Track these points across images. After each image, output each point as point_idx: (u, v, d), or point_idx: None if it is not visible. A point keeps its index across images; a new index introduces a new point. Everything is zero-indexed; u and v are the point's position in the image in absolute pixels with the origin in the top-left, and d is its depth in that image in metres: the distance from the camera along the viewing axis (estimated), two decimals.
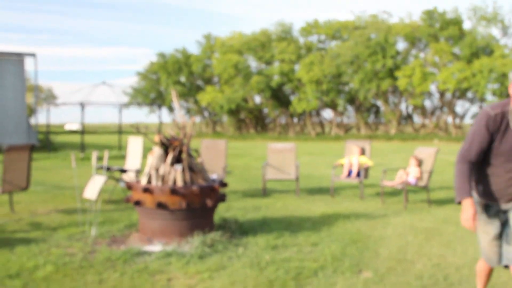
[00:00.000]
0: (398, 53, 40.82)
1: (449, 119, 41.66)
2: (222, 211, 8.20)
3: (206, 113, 53.06)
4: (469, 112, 41.89)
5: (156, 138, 6.68)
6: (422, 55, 41.57)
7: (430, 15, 40.92)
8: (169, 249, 5.91)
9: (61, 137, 36.97)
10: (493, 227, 3.78)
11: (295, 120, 48.44)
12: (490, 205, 3.79)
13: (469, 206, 3.55)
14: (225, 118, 51.29)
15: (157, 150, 6.68)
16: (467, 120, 43.01)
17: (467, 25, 40.89)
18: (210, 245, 6.07)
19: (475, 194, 3.85)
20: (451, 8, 57.40)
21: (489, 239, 3.80)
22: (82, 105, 23.17)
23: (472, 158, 3.67)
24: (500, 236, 3.78)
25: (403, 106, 43.48)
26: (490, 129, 3.57)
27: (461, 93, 39.29)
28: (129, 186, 6.59)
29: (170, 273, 5.22)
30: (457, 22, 40.39)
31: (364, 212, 8.63)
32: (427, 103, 42.13)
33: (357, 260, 5.70)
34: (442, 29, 39.72)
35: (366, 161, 10.41)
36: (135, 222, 7.37)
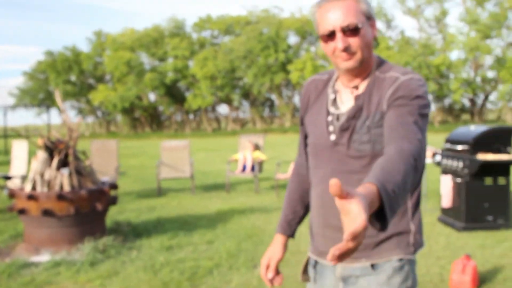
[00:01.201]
0: (289, 47, 41.87)
1: None
2: (114, 214, 7.95)
3: (99, 113, 51.59)
4: None
5: (40, 142, 6.35)
6: (313, 48, 42.93)
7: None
8: (58, 258, 5.64)
9: None
10: None
11: (191, 116, 48.38)
12: (319, 264, 2.03)
13: (272, 248, 2.16)
14: (119, 117, 50.14)
15: (42, 154, 6.36)
16: None
17: None
18: (102, 251, 5.87)
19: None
20: None
21: None
22: None
23: (298, 165, 2.19)
24: None
25: (296, 99, 44.72)
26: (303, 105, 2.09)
27: None
28: (12, 194, 6.22)
29: (59, 284, 4.98)
30: None
31: (259, 206, 8.73)
32: None
33: (252, 255, 5.74)
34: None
35: (259, 155, 10.53)
36: (21, 232, 6.97)
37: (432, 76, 38.05)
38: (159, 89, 43.81)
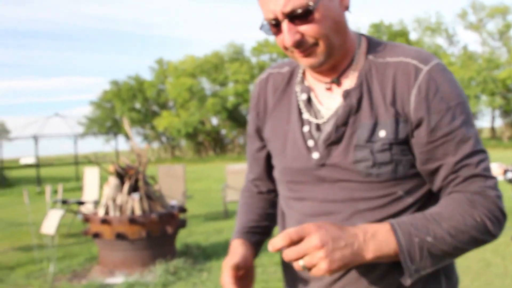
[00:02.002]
0: None
1: None
2: (183, 237, 8.11)
3: (164, 138, 52.77)
4: None
5: (111, 168, 6.59)
6: None
7: (377, 28, 41.99)
8: (132, 280, 5.81)
9: (16, 172, 35.98)
10: None
11: None
12: None
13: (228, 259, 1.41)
14: (183, 142, 51.11)
15: (113, 180, 6.59)
16: None
17: (413, 36, 42.08)
18: (174, 273, 6.00)
19: None
20: (397, 21, 58.83)
21: None
22: (36, 138, 22.76)
23: (253, 184, 1.64)
24: None
25: None
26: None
27: None
28: (87, 218, 6.47)
29: None
30: (404, 33, 41.57)
31: None
32: None
33: None
34: (389, 40, 40.75)
35: None
36: (95, 255, 7.22)
37: (499, 90, 36.92)
38: (221, 113, 44.48)
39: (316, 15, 1.19)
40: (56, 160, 68.48)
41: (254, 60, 47.80)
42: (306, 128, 1.33)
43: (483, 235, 1.19)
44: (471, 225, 1.17)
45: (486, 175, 1.22)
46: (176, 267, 6.11)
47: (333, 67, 1.31)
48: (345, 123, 1.27)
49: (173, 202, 7.24)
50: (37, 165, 23.17)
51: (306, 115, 1.34)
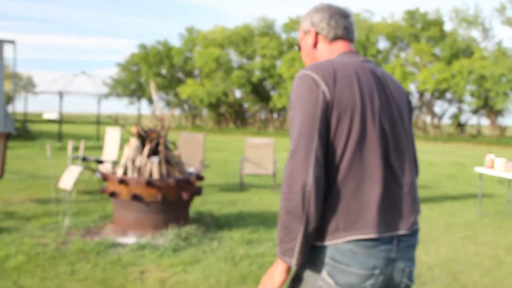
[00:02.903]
0: (379, 52, 41.20)
1: (428, 119, 42.17)
2: (198, 205, 8.18)
3: (186, 106, 52.92)
4: (447, 112, 42.32)
5: (134, 130, 6.63)
6: (403, 54, 42.02)
7: (412, 15, 41.31)
8: (143, 242, 5.88)
9: (39, 126, 36.53)
10: None
11: (275, 115, 48.57)
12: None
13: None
14: (205, 112, 51.22)
15: (134, 142, 6.64)
16: (445, 121, 43.51)
17: (448, 26, 41.33)
18: (185, 239, 6.06)
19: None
20: (433, 9, 57.91)
21: None
22: (61, 94, 22.96)
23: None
24: None
25: None
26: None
27: (440, 94, 39.80)
28: (105, 177, 6.54)
29: (143, 266, 5.19)
30: (439, 23, 40.85)
31: None
32: None
33: None
34: (423, 29, 40.13)
35: None
36: (109, 214, 7.31)
37: None
38: (245, 86, 44.41)
39: (301, 47, 2.16)
40: (78, 118, 69.26)
41: (284, 36, 47.45)
42: None
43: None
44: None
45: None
46: (187, 233, 6.16)
47: None
48: None
49: (191, 169, 7.27)
50: (59, 121, 23.42)
51: None
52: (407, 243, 1.86)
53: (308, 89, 1.77)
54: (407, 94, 2.06)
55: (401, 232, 1.82)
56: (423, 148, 25.38)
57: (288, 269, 1.83)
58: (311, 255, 1.82)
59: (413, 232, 1.90)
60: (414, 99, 42.14)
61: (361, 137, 1.79)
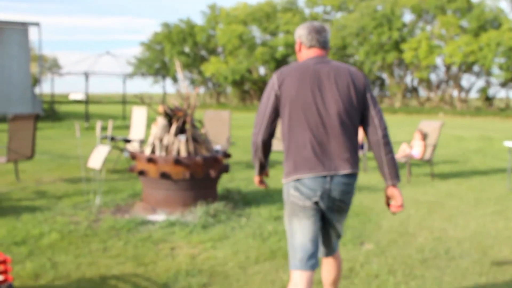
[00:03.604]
0: (404, 25, 40.48)
1: (455, 93, 41.43)
2: (225, 182, 8.24)
3: (210, 84, 52.93)
4: (474, 86, 41.60)
5: (160, 109, 6.68)
6: (429, 27, 41.24)
7: None
8: (173, 219, 5.97)
9: (66, 107, 36.97)
10: None
11: None
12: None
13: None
14: (229, 89, 51.18)
15: (161, 121, 6.69)
16: (473, 94, 42.78)
17: None
18: (213, 215, 6.12)
19: None
20: None
21: None
22: (86, 75, 23.16)
23: None
24: None
25: (408, 79, 43.30)
26: None
27: (467, 67, 38.99)
28: (133, 156, 6.62)
29: (173, 242, 5.27)
30: None
31: (367, 185, 8.67)
32: (433, 77, 41.91)
33: (359, 232, 5.74)
34: (449, 1, 39.22)
35: None
36: (138, 192, 7.42)
37: None
38: (269, 63, 44.19)
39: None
40: (104, 98, 69.83)
41: (307, 11, 46.95)
42: None
43: None
44: None
45: None
46: (216, 210, 6.23)
47: None
48: None
49: (218, 147, 7.31)
50: (86, 102, 23.66)
51: None
52: (339, 180, 2.97)
53: (269, 87, 3.07)
54: (355, 81, 3.02)
55: (328, 173, 2.94)
56: (450, 123, 25.02)
57: (258, 177, 3.44)
58: (284, 184, 3.10)
59: (345, 175, 2.98)
60: (441, 73, 41.50)
61: (293, 117, 2.98)
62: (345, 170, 2.97)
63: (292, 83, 2.97)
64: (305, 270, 2.99)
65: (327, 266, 3.38)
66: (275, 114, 3.04)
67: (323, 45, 3.12)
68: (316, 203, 2.97)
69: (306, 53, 3.14)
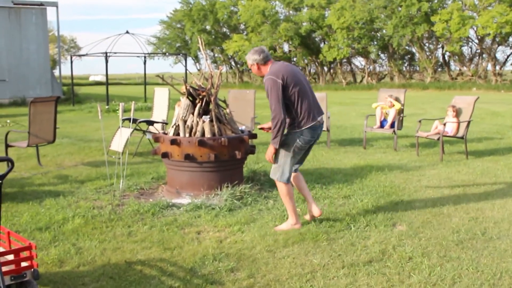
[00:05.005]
0: None
1: (489, 66, 39.95)
2: (251, 163, 8.00)
3: (232, 63, 52.55)
4: (510, 58, 40.13)
5: (183, 89, 6.47)
6: None
7: None
8: (198, 202, 5.80)
9: (85, 89, 36.96)
10: None
11: (325, 68, 47.62)
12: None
13: None
14: None
15: (184, 101, 6.49)
16: (508, 67, 41.26)
17: None
18: (240, 198, 5.95)
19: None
20: None
21: None
22: (106, 56, 22.91)
23: None
24: None
25: (439, 53, 41.97)
26: None
27: (502, 39, 37.49)
28: (156, 138, 6.45)
29: (199, 226, 5.12)
30: None
31: (398, 164, 8.40)
32: (465, 50, 40.50)
33: (391, 213, 5.52)
34: None
35: (397, 106, 10.01)
36: (162, 175, 7.27)
37: None
38: (293, 39, 43.51)
39: (253, 71, 5.13)
40: (124, 79, 69.91)
41: None
42: None
43: None
44: None
45: None
46: (242, 192, 6.05)
47: None
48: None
49: (242, 127, 7.09)
50: (106, 83, 23.54)
51: None
52: (321, 127, 4.99)
53: (276, 85, 4.66)
54: None
55: (319, 121, 4.91)
56: (484, 97, 23.97)
57: (275, 149, 4.86)
58: (291, 134, 4.88)
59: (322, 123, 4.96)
60: (474, 46, 40.19)
61: (302, 90, 4.80)
62: (321, 119, 4.99)
63: (291, 76, 4.76)
64: (289, 182, 4.97)
65: (299, 176, 5.24)
66: (283, 100, 4.72)
67: (270, 58, 4.95)
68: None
69: (264, 68, 4.91)
